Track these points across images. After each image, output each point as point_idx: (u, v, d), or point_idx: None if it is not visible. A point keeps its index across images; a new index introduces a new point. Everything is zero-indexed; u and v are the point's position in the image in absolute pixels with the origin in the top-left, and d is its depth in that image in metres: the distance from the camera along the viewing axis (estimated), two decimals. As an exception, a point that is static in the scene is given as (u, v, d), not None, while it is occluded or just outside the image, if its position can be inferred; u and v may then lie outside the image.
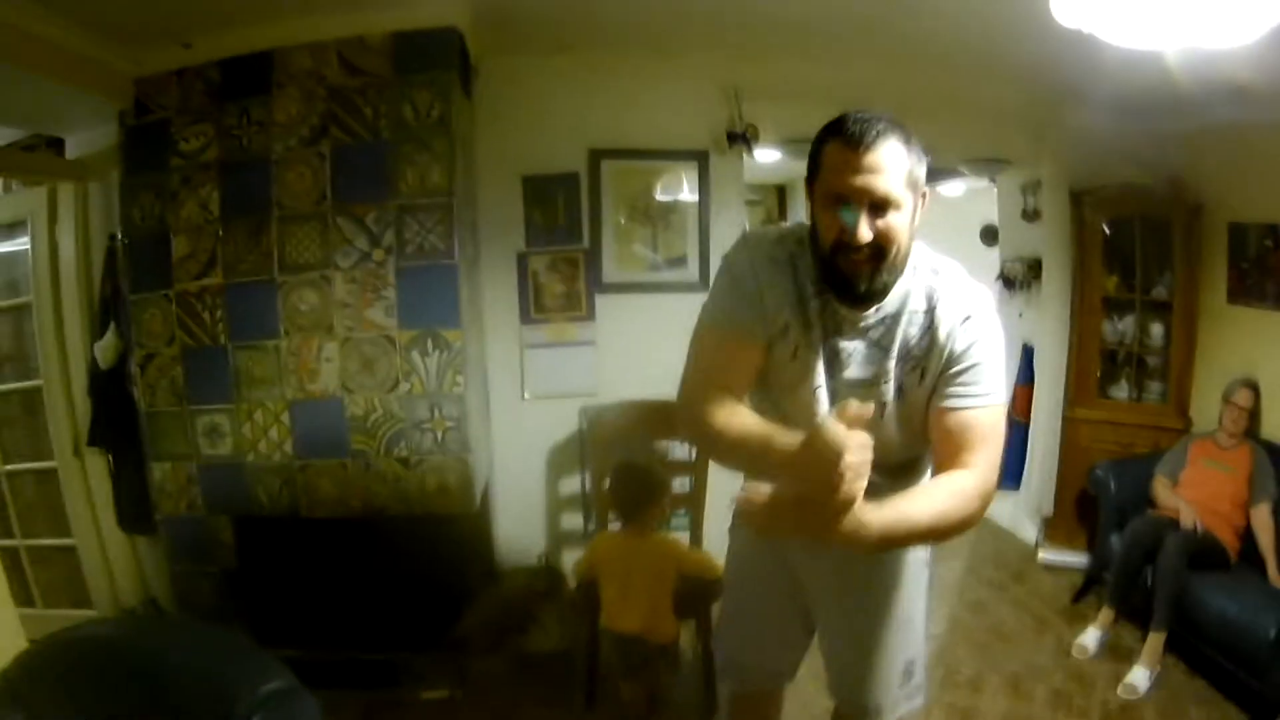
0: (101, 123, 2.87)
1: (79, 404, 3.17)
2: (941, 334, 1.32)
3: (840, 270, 1.27)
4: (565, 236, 3.12)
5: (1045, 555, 3.71)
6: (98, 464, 3.22)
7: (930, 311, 1.33)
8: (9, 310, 3.37)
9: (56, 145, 3.19)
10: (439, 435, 2.66)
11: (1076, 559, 3.58)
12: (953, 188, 5.78)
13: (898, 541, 1.23)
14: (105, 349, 3.02)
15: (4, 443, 3.50)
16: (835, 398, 1.38)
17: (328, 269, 2.61)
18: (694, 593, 2.38)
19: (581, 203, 3.12)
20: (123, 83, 2.76)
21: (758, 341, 1.42)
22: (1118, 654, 2.85)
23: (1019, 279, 4.25)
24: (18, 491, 3.50)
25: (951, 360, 1.32)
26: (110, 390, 3.03)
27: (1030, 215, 4.16)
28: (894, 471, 1.39)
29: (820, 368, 1.40)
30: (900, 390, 1.38)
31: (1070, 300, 3.78)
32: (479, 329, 3.09)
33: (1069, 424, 3.79)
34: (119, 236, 2.94)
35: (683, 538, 2.84)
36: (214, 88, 2.70)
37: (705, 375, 1.42)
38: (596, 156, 3.09)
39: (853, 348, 1.38)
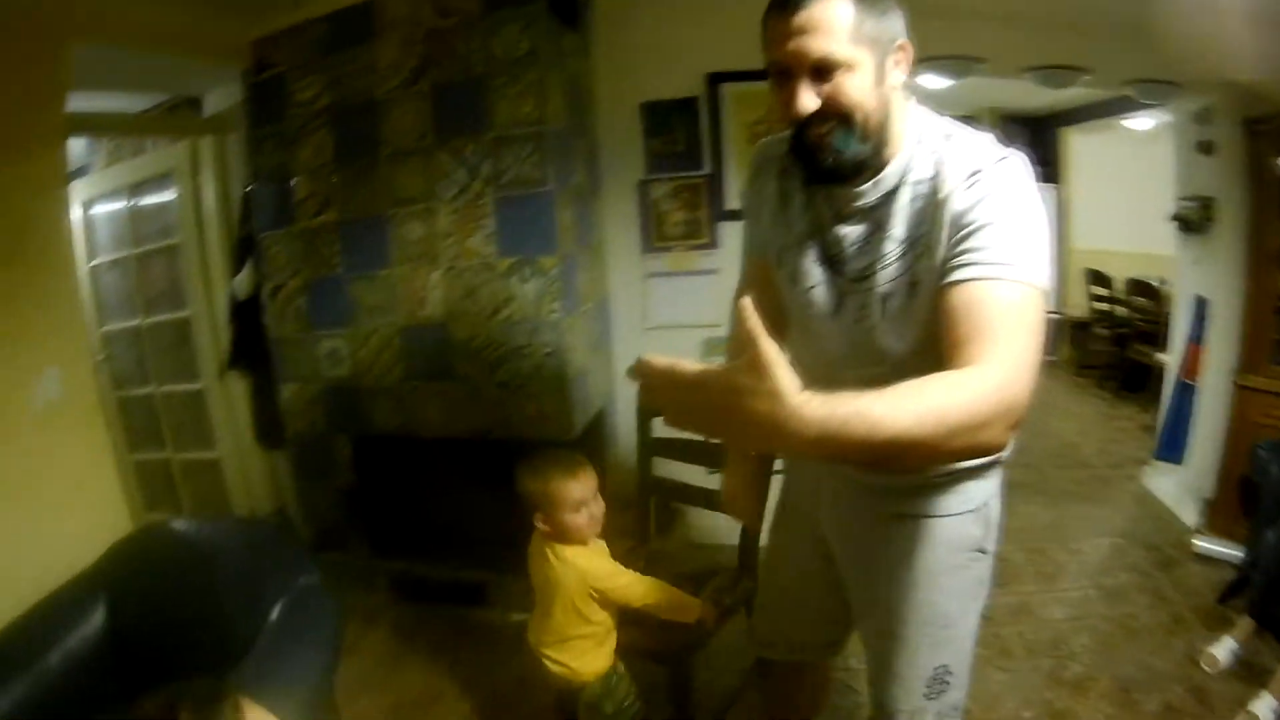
0: (230, 82, 3.30)
1: (221, 332, 3.68)
2: (942, 194, 1.16)
3: (807, 147, 1.20)
4: (685, 163, 3.15)
5: (1200, 543, 3.33)
6: (238, 385, 3.71)
7: (934, 178, 1.19)
8: (161, 251, 3.91)
9: (195, 105, 3.66)
10: (537, 361, 2.85)
11: (1235, 552, 3.14)
12: (1140, 121, 5.48)
13: (848, 449, 0.88)
14: (242, 282, 3.48)
15: (159, 367, 4.09)
16: (841, 298, 1.30)
17: (431, 201, 2.88)
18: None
19: (702, 128, 3.16)
20: (242, 45, 3.17)
21: (765, 255, 1.42)
22: (1250, 673, 2.48)
23: (1194, 221, 3.99)
24: (170, 410, 4.10)
25: (956, 226, 1.14)
26: (247, 319, 3.48)
27: (1204, 149, 3.89)
28: None
29: (811, 267, 1.33)
30: (912, 283, 1.21)
31: (1246, 249, 3.37)
32: (599, 258, 3.23)
33: (1239, 393, 3.33)
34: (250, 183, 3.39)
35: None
36: (322, 41, 3.02)
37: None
38: (715, 80, 3.10)
39: (851, 235, 1.27)
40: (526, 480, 2.01)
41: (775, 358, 0.83)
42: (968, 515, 1.37)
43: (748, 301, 0.87)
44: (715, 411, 0.87)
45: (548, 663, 2.04)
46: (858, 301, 1.28)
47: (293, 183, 3.20)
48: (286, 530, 3.48)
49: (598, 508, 2.02)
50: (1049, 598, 2.96)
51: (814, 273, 1.33)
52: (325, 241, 3.16)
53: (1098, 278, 6.15)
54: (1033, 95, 5.34)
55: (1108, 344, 6.00)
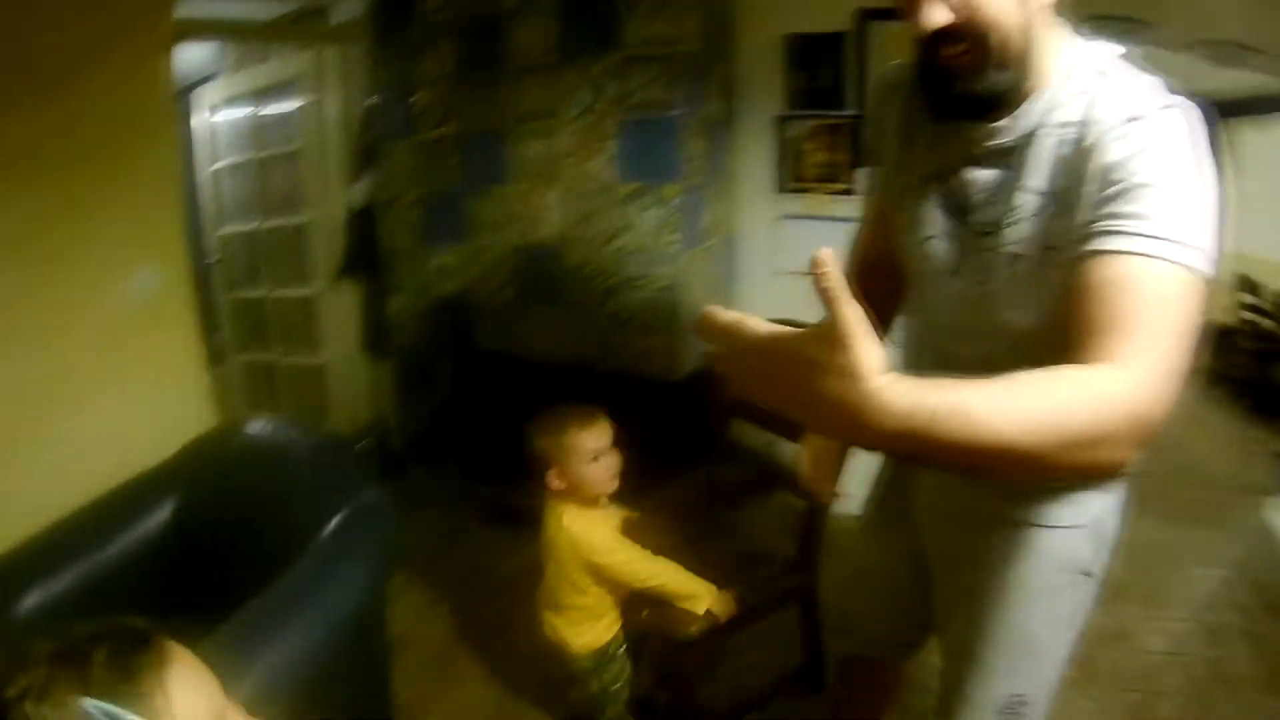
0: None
1: (336, 240, 3.75)
2: (1089, 141, 0.98)
3: (935, 72, 1.05)
4: (829, 102, 2.96)
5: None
6: (349, 294, 3.78)
7: (1083, 122, 1.00)
8: (283, 157, 3.97)
9: (321, 15, 3.68)
10: (651, 294, 2.80)
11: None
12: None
13: (936, 450, 0.73)
14: (360, 192, 3.54)
15: (272, 271, 4.22)
16: (962, 254, 1.14)
17: (554, 119, 2.85)
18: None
19: (847, 67, 2.95)
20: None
21: (886, 196, 1.28)
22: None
23: None
24: (282, 315, 4.21)
25: (1104, 181, 0.95)
26: (362, 228, 3.57)
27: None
28: None
29: (932, 213, 1.17)
30: (1046, 247, 1.03)
31: None
32: (729, 194, 3.08)
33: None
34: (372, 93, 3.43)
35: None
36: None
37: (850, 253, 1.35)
38: (867, 17, 2.87)
39: (981, 181, 1.10)
40: (540, 435, 1.96)
41: (856, 327, 0.67)
42: (1078, 530, 1.21)
43: (827, 253, 0.69)
44: (781, 385, 0.72)
45: (545, 625, 2.03)
46: (980, 261, 1.12)
47: (414, 95, 3.21)
48: (383, 440, 3.59)
49: (614, 460, 1.96)
50: (1149, 625, 2.75)
51: (935, 220, 1.16)
52: (444, 155, 3.18)
53: (1247, 284, 5.75)
54: (1196, 76, 5.02)
55: (1248, 358, 5.64)
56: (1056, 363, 0.85)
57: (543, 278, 2.99)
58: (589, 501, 1.97)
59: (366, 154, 3.52)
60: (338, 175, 3.73)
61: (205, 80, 4.30)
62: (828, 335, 0.67)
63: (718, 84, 2.81)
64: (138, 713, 0.74)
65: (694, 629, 1.90)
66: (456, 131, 3.12)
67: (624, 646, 2.08)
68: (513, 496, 3.24)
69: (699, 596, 1.89)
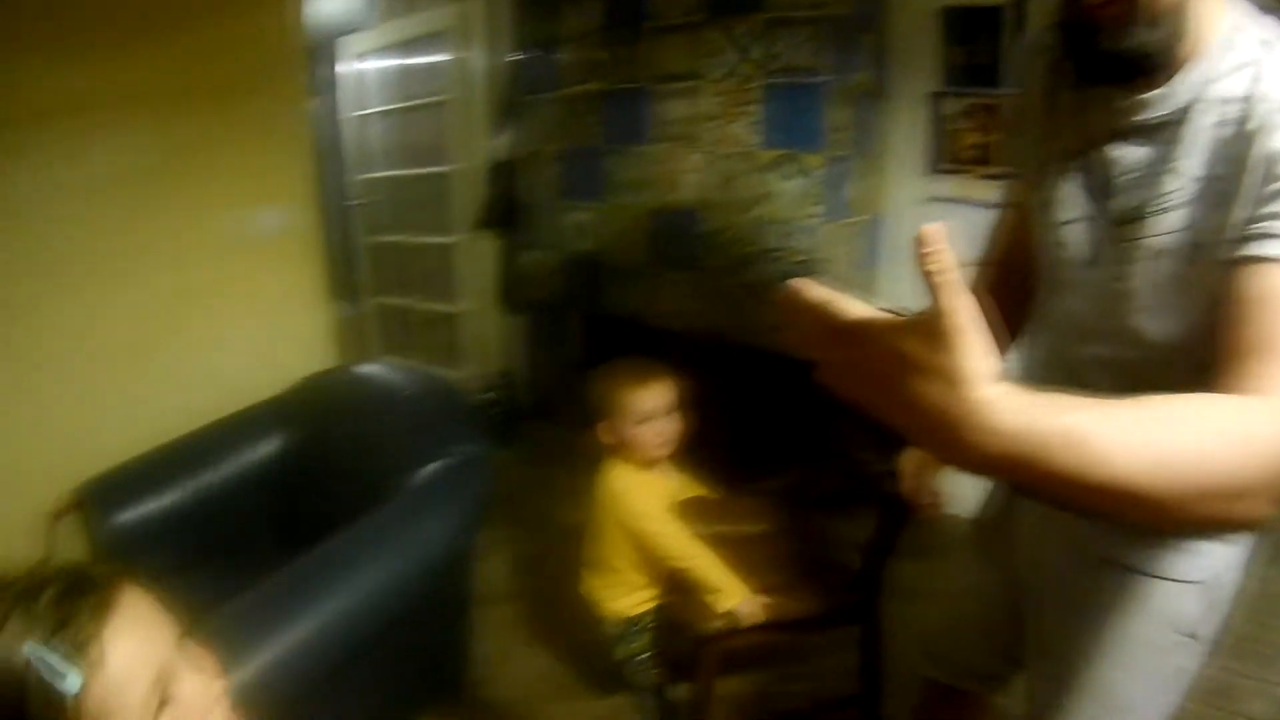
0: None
1: (477, 191, 3.81)
2: (1253, 124, 0.85)
3: (1080, 29, 0.93)
4: (986, 79, 2.75)
5: None
6: (488, 245, 3.87)
7: (1248, 99, 0.87)
8: (430, 107, 4.07)
9: None
10: (788, 267, 2.71)
11: None
12: None
13: (1044, 480, 0.61)
14: (502, 145, 3.60)
15: (417, 218, 4.34)
16: (1099, 243, 1.01)
17: (696, 80, 2.79)
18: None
19: (1006, 44, 2.68)
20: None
21: (1025, 174, 1.15)
22: None
23: None
24: (423, 260, 4.36)
25: (1269, 174, 0.83)
26: (502, 181, 3.62)
27: None
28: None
29: (1071, 194, 1.04)
30: (1196, 244, 0.91)
31: None
32: (877, 170, 2.92)
33: None
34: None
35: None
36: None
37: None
38: None
39: (1127, 159, 0.98)
40: (598, 386, 1.92)
41: (965, 323, 0.56)
42: (1190, 586, 1.06)
43: (936, 228, 0.59)
44: (871, 383, 0.61)
45: (582, 582, 2.01)
46: (1119, 253, 0.99)
47: (558, 50, 3.23)
48: (507, 394, 3.71)
49: (670, 426, 1.90)
50: (1255, 686, 2.51)
51: (1073, 202, 1.04)
52: (586, 111, 3.19)
53: None
54: None
55: None
56: (1196, 381, 0.74)
57: (678, 242, 2.97)
58: (641, 463, 1.92)
59: (510, 108, 3.56)
60: (482, 127, 3.79)
61: (354, 29, 4.46)
62: (929, 329, 0.57)
63: (868, 52, 2.65)
64: (73, 662, 0.71)
65: (711, 625, 1.79)
66: (599, 89, 3.12)
67: (655, 621, 2.02)
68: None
69: (725, 593, 1.78)
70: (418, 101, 4.16)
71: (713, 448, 1.99)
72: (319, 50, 5.32)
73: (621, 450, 1.90)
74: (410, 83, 4.21)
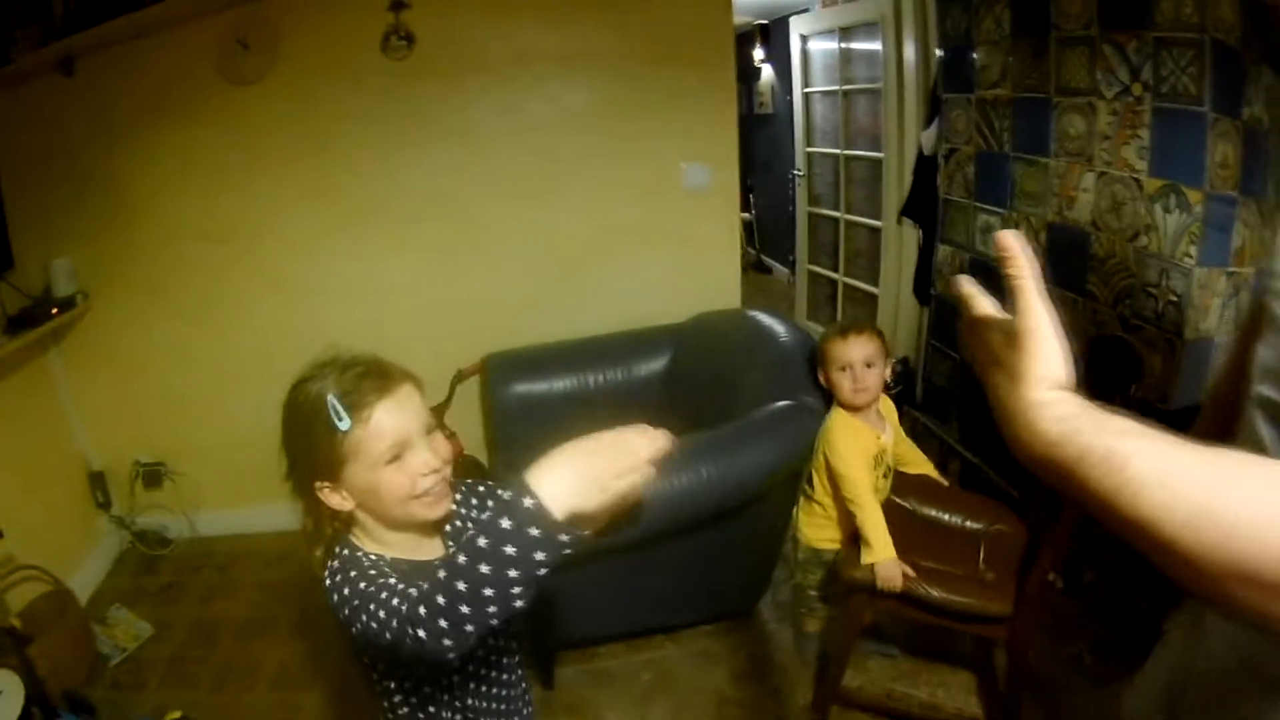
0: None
1: (904, 181, 4.07)
2: None
3: None
4: None
5: None
6: (909, 234, 4.10)
7: None
8: (867, 92, 4.36)
9: None
10: (1160, 307, 2.57)
11: None
12: None
13: (1085, 498, 0.60)
14: (928, 138, 3.72)
15: (851, 198, 4.69)
16: None
17: (1093, 97, 2.67)
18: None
19: None
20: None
21: None
22: None
23: None
24: (852, 239, 4.72)
25: None
26: (926, 174, 3.78)
27: None
28: None
29: None
30: None
31: None
32: (1271, 219, 2.56)
33: None
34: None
35: None
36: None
37: None
38: None
39: None
40: (822, 334, 2.31)
41: (1038, 327, 0.63)
42: None
43: (1013, 236, 0.65)
44: (979, 368, 0.70)
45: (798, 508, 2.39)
46: None
47: (975, 51, 3.30)
48: (901, 379, 3.92)
49: (867, 376, 2.23)
50: None
51: None
52: (997, 116, 3.21)
53: None
54: None
55: None
56: None
57: (1070, 261, 2.96)
58: (850, 407, 2.27)
59: (935, 103, 3.71)
60: (914, 118, 3.97)
61: (802, 10, 4.93)
62: (1008, 328, 0.65)
63: (1260, 87, 2.39)
64: (350, 413, 1.07)
65: (851, 571, 2.12)
66: (1009, 94, 3.20)
67: (834, 560, 2.34)
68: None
69: (873, 550, 2.08)
70: (857, 86, 4.50)
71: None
72: (771, 28, 5.89)
73: (833, 393, 2.30)
74: (852, 67, 4.56)
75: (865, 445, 2.25)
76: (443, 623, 0.91)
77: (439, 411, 3.37)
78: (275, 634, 2.92)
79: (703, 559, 2.52)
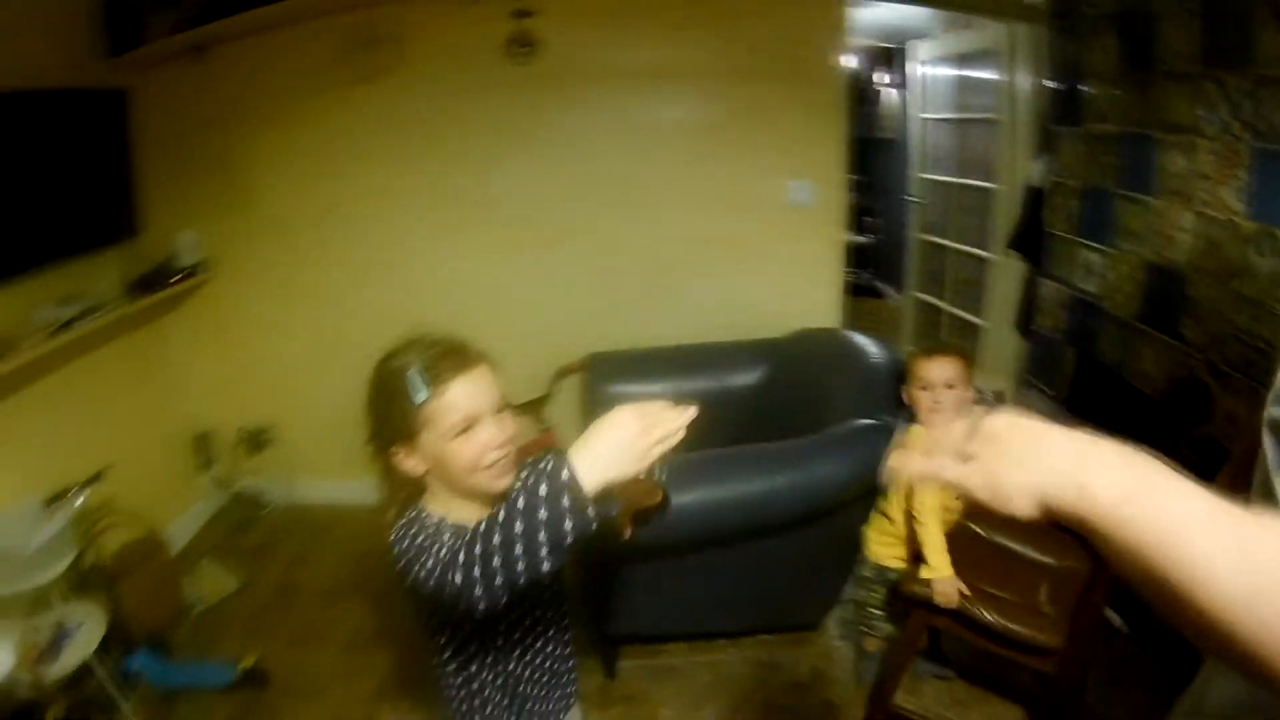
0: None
1: (1014, 212, 3.97)
2: None
3: None
4: None
5: None
6: (1015, 267, 4.01)
7: None
8: (981, 122, 4.30)
9: None
10: (1248, 353, 2.49)
11: None
12: None
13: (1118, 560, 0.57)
14: (1039, 170, 3.68)
15: (961, 227, 4.62)
16: None
17: (1194, 134, 2.61)
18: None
19: None
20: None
21: None
22: None
23: None
24: (960, 268, 4.65)
25: None
26: (1033, 207, 3.72)
27: None
28: None
29: None
30: None
31: None
32: None
33: None
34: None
35: None
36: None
37: None
38: None
39: None
40: (909, 352, 2.30)
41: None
42: None
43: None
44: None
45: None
46: None
47: (1083, 84, 3.24)
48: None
49: (947, 397, 2.29)
50: None
51: None
52: (1103, 151, 3.14)
53: None
54: None
55: None
56: None
57: (1166, 302, 2.88)
58: (924, 420, 2.33)
59: (1046, 135, 3.66)
60: (1024, 150, 3.92)
61: (922, 36, 4.92)
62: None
63: None
64: (428, 385, 1.20)
65: (910, 585, 2.22)
66: (1116, 129, 3.13)
67: (897, 579, 2.38)
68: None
69: (933, 568, 2.18)
70: (972, 115, 4.46)
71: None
72: (895, 53, 5.86)
73: (914, 409, 2.38)
74: (967, 95, 4.52)
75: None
76: (476, 571, 1.03)
77: (539, 405, 3.60)
78: (354, 600, 3.15)
79: (772, 568, 2.62)
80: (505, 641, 1.39)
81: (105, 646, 2.58)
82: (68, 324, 2.85)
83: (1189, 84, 2.67)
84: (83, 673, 2.51)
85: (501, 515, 1.02)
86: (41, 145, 2.83)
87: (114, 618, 2.66)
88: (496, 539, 1.01)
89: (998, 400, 3.95)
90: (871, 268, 7.28)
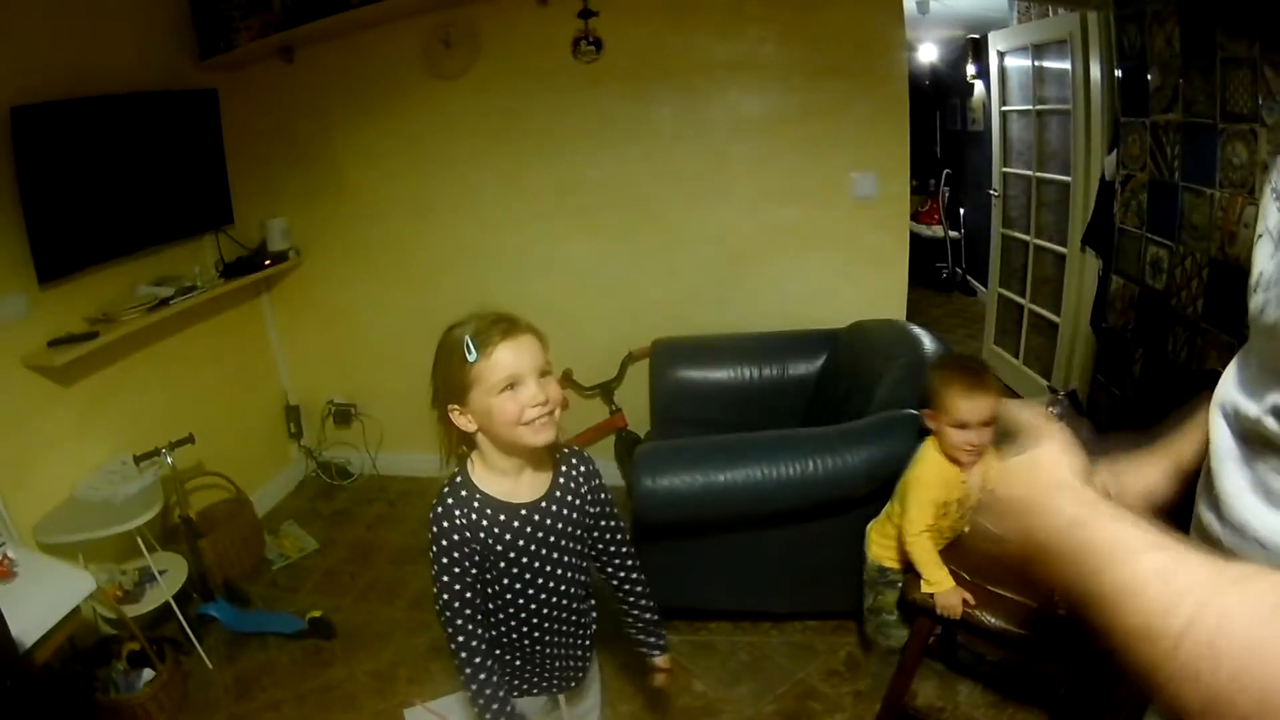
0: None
1: (1088, 206, 3.87)
2: None
3: None
4: None
5: None
6: (1090, 262, 3.90)
7: None
8: (1057, 114, 4.20)
9: None
10: None
11: None
12: None
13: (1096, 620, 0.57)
14: (1111, 163, 3.57)
15: (1041, 221, 4.50)
16: None
17: (1255, 123, 2.49)
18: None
19: None
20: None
21: None
22: None
23: None
24: (1040, 264, 4.52)
25: None
26: (1105, 201, 3.63)
27: None
28: None
29: None
30: None
31: None
32: None
33: None
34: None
35: None
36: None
37: None
38: None
39: None
40: (937, 375, 2.20)
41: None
42: None
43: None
44: None
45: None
46: None
47: (1149, 72, 3.12)
48: (1066, 412, 3.76)
49: (980, 438, 2.12)
50: None
51: None
52: (1168, 142, 3.03)
53: None
54: None
55: None
56: None
57: (1230, 301, 2.75)
58: (948, 455, 2.21)
59: (1116, 126, 3.55)
60: (1098, 142, 3.81)
61: (996, 25, 4.80)
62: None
63: None
64: (479, 348, 1.38)
65: (913, 593, 2.18)
66: (1180, 119, 3.00)
67: (902, 581, 2.33)
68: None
69: (931, 584, 2.13)
70: (1049, 106, 4.33)
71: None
72: (973, 43, 5.71)
73: (938, 438, 2.26)
74: (1045, 87, 4.39)
75: (947, 482, 2.25)
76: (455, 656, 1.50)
77: (609, 388, 3.77)
78: (424, 562, 3.33)
79: (814, 552, 2.70)
80: (525, 600, 1.58)
81: (186, 594, 2.91)
82: (165, 301, 3.17)
83: (1249, 70, 2.56)
84: (162, 615, 2.84)
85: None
86: (141, 141, 3.16)
87: (197, 568, 3.00)
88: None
89: (1071, 401, 3.85)
90: (962, 264, 7.10)
